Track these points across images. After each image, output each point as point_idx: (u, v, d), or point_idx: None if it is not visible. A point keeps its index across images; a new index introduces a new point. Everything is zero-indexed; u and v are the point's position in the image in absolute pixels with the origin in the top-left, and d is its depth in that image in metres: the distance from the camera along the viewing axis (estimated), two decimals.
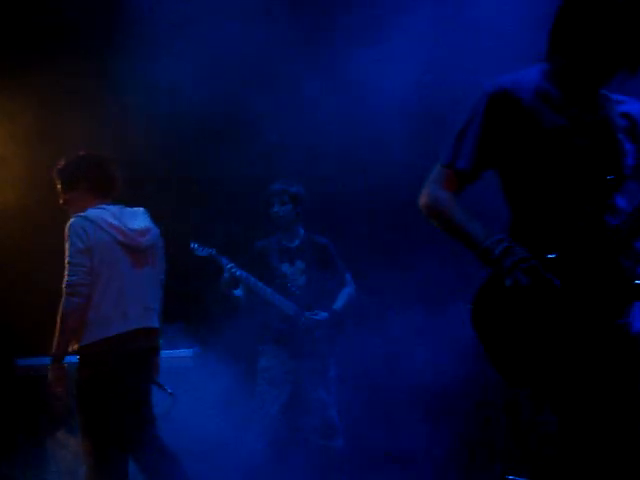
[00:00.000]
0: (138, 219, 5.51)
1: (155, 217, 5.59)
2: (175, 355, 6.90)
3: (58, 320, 5.09)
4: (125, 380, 5.19)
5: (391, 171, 7.22)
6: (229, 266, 6.73)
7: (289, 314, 6.79)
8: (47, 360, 5.20)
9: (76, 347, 5.15)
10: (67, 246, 5.19)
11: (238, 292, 6.80)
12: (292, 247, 6.95)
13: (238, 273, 6.72)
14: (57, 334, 5.07)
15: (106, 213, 5.37)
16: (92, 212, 5.34)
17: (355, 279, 6.99)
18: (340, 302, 6.90)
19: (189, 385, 6.49)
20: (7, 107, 7.66)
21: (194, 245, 6.84)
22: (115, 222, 5.34)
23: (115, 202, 5.50)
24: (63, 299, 5.11)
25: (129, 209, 5.54)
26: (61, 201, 5.52)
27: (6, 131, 7.76)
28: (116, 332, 5.20)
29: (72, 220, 5.27)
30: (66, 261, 5.17)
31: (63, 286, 5.13)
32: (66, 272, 5.15)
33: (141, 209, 5.61)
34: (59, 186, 5.51)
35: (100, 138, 7.11)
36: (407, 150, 7.12)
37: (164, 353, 5.70)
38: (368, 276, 7.17)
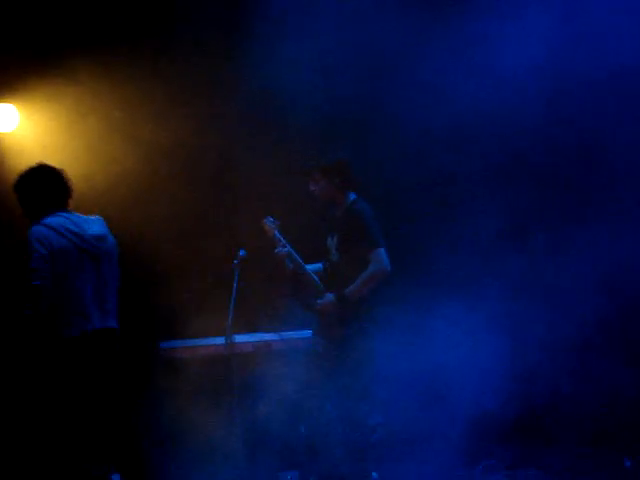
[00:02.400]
0: (95, 226, 5.76)
1: None
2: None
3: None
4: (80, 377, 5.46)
5: None
6: (282, 242, 6.77)
7: (311, 291, 6.77)
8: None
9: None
10: (29, 253, 5.49)
11: (290, 265, 6.82)
12: (336, 218, 6.81)
13: (286, 249, 6.76)
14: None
15: (65, 220, 5.63)
16: (52, 220, 5.66)
17: None
18: (353, 285, 6.54)
19: None
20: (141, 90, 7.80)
21: (269, 218, 6.87)
22: (74, 228, 5.58)
23: (69, 210, 5.86)
24: (25, 303, 5.40)
25: (85, 217, 5.87)
26: (22, 212, 5.87)
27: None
28: (78, 333, 5.44)
29: (32, 228, 5.61)
30: (28, 267, 5.45)
31: (25, 291, 5.40)
32: (28, 277, 5.43)
33: (97, 217, 5.90)
34: (18, 199, 5.81)
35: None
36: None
37: None
38: None
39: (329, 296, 6.62)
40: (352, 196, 6.75)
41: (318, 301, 6.68)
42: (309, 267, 6.85)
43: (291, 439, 6.97)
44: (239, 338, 7.11)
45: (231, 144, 8.00)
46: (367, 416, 6.54)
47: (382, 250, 6.54)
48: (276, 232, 6.79)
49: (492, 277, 7.34)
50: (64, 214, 5.82)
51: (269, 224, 6.84)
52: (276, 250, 6.76)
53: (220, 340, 7.05)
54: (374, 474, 6.71)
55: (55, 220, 5.72)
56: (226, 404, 7.11)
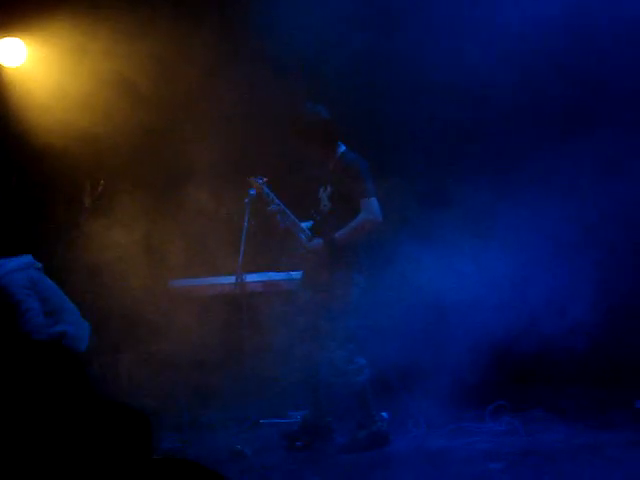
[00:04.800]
0: None
1: None
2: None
3: None
4: None
5: None
6: (271, 197, 6.72)
7: (300, 240, 6.73)
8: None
9: None
10: None
11: (282, 224, 6.78)
12: (328, 171, 6.76)
13: (276, 207, 6.71)
14: None
15: None
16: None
17: None
18: (343, 230, 6.53)
19: None
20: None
21: (256, 177, 6.79)
22: None
23: None
24: None
25: None
26: None
27: None
28: None
29: None
30: None
31: None
32: None
33: None
34: None
35: None
36: None
37: None
38: None
39: (318, 241, 6.62)
40: (342, 147, 6.72)
41: (307, 245, 6.65)
42: (302, 225, 6.83)
43: (296, 378, 6.98)
44: (249, 277, 7.10)
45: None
46: (347, 361, 6.53)
47: (374, 199, 6.54)
48: (265, 188, 6.74)
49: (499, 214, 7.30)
50: None
51: (256, 180, 6.77)
52: (268, 208, 6.71)
53: (230, 279, 7.04)
54: (384, 414, 6.75)
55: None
56: (236, 343, 7.13)
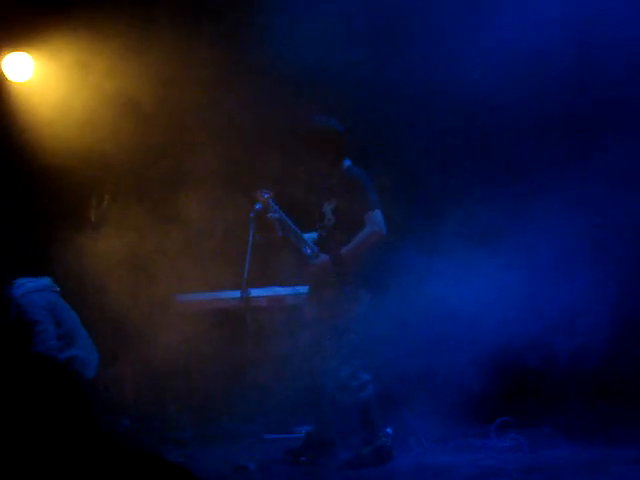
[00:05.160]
0: None
1: None
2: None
3: None
4: None
5: None
6: (275, 208, 6.73)
7: (304, 254, 6.75)
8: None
9: None
10: None
11: (280, 232, 6.78)
12: (331, 185, 6.76)
13: (277, 215, 6.73)
14: None
15: None
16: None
17: None
18: (349, 245, 6.55)
19: None
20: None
21: (262, 190, 6.79)
22: None
23: None
24: None
25: None
26: None
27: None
28: None
29: None
30: None
31: None
32: None
33: None
34: None
35: None
36: None
37: None
38: None
39: (324, 257, 6.63)
40: (347, 162, 6.74)
41: (313, 262, 6.67)
42: (306, 236, 6.83)
43: (300, 394, 6.96)
44: (254, 292, 7.10)
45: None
46: (351, 377, 6.53)
47: (378, 212, 6.56)
48: (270, 202, 6.75)
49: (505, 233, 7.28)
50: None
51: (262, 194, 6.78)
52: (268, 215, 6.72)
53: (236, 294, 7.03)
54: (388, 430, 6.73)
55: None
56: (240, 358, 7.13)
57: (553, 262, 7.26)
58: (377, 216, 6.55)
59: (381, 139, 7.86)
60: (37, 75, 7.76)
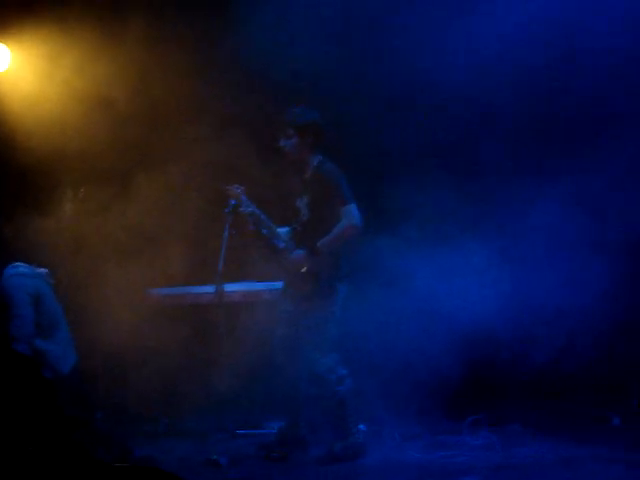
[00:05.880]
0: None
1: None
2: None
3: None
4: None
5: None
6: (247, 203, 6.73)
7: (279, 249, 6.77)
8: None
9: None
10: None
11: (252, 227, 6.80)
12: (305, 179, 6.79)
13: (250, 209, 6.73)
14: None
15: None
16: None
17: None
18: (325, 238, 6.57)
19: None
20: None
21: (234, 185, 6.80)
22: None
23: None
24: None
25: None
26: None
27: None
28: None
29: None
30: None
31: None
32: None
33: None
34: None
35: None
36: None
37: None
38: None
39: (299, 252, 6.66)
40: (319, 157, 6.75)
41: (287, 256, 6.69)
42: (279, 230, 6.85)
43: (273, 389, 6.97)
44: (229, 287, 7.08)
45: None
46: (330, 370, 6.54)
47: (353, 206, 6.58)
48: (243, 196, 6.75)
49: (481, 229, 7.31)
50: None
51: (235, 190, 6.78)
52: (240, 209, 6.72)
53: (210, 288, 7.02)
54: (361, 426, 6.73)
55: None
56: (213, 352, 7.12)
57: (536, 263, 7.29)
58: (352, 209, 6.56)
59: (362, 135, 7.85)
60: (13, 66, 7.70)
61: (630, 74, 7.28)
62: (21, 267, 6.69)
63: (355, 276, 6.80)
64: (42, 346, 6.54)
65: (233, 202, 6.77)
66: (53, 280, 6.84)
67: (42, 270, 6.76)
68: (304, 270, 6.61)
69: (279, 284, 7.16)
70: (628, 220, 7.30)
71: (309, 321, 6.57)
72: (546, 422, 7.04)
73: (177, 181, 7.59)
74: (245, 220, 6.75)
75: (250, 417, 7.51)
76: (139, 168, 7.69)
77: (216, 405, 7.12)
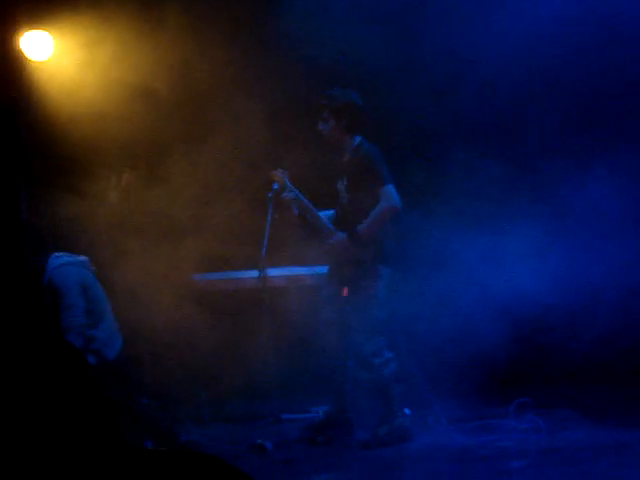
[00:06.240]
0: None
1: None
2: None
3: None
4: None
5: None
6: (291, 187, 6.73)
7: (323, 234, 6.76)
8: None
9: None
10: None
11: (297, 211, 6.80)
12: (343, 162, 6.78)
13: (293, 193, 6.72)
14: None
15: None
16: None
17: None
18: (364, 222, 6.58)
19: None
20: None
21: (278, 169, 6.80)
22: None
23: None
24: None
25: None
26: None
27: None
28: None
29: None
30: None
31: None
32: None
33: None
34: None
35: None
36: None
37: None
38: None
39: (340, 235, 6.64)
40: (358, 138, 6.72)
41: (330, 241, 6.65)
42: (322, 214, 6.82)
43: (318, 373, 6.97)
44: (272, 272, 7.09)
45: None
46: (375, 354, 6.51)
47: (391, 187, 6.55)
48: (286, 180, 6.74)
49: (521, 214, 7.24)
50: None
51: (279, 174, 6.77)
52: (283, 194, 6.71)
53: (253, 273, 7.03)
54: (406, 410, 6.72)
55: None
56: (258, 337, 7.13)
57: (586, 238, 7.20)
58: (391, 190, 6.54)
59: (401, 118, 7.80)
60: (55, 54, 7.73)
61: None
62: (64, 257, 6.70)
63: (402, 258, 6.78)
64: (90, 334, 6.58)
65: (276, 186, 6.76)
66: (93, 267, 6.86)
67: (83, 258, 6.78)
68: (346, 254, 6.57)
69: (323, 268, 7.15)
70: None
71: (354, 305, 6.57)
72: (594, 406, 6.98)
73: (220, 166, 7.58)
74: (288, 204, 6.73)
75: (295, 401, 7.52)
76: (180, 154, 7.69)
77: (261, 390, 7.14)
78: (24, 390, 1.84)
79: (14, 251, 7.34)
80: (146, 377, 7.51)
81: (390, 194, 6.51)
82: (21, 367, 1.87)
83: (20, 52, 7.54)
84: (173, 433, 6.63)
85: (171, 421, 6.93)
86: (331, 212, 6.88)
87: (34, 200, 7.46)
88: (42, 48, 7.66)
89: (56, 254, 6.71)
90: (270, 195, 6.79)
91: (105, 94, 7.55)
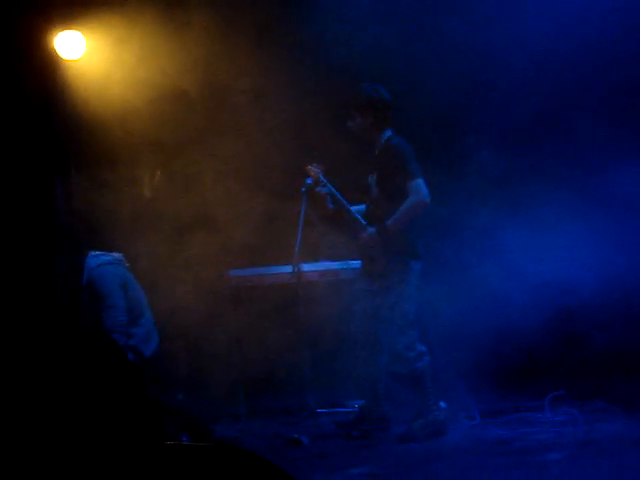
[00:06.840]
0: None
1: None
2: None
3: None
4: None
5: None
6: (325, 182, 6.75)
7: (355, 229, 6.76)
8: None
9: None
10: None
11: (331, 205, 6.82)
12: (374, 157, 6.78)
13: (327, 188, 6.73)
14: None
15: None
16: None
17: None
18: (393, 216, 6.56)
19: None
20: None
21: (313, 164, 6.82)
22: None
23: None
24: None
25: None
26: None
27: None
28: None
29: None
30: None
31: None
32: None
33: None
34: None
35: None
36: None
37: None
38: None
39: (370, 230, 6.64)
40: (388, 133, 6.71)
41: (361, 235, 6.66)
42: (354, 208, 6.82)
43: (353, 368, 6.97)
44: (306, 266, 7.10)
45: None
46: (408, 347, 6.51)
47: (420, 181, 6.52)
48: (321, 175, 6.75)
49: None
50: None
51: (313, 168, 6.77)
52: (317, 189, 6.72)
53: (287, 268, 7.05)
54: (442, 403, 6.71)
55: None
56: (292, 332, 7.15)
57: (628, 230, 7.16)
58: (420, 184, 6.51)
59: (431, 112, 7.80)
60: (87, 53, 7.79)
61: None
62: (103, 256, 6.73)
63: (438, 250, 6.78)
64: (130, 331, 6.62)
65: (309, 181, 6.78)
66: (128, 264, 6.89)
67: (118, 255, 6.81)
68: (377, 248, 6.59)
69: (356, 263, 7.16)
70: None
71: (386, 299, 6.57)
72: (630, 399, 6.92)
73: (253, 162, 7.62)
74: (322, 199, 6.75)
75: (331, 395, 7.53)
76: (211, 151, 7.73)
77: (297, 384, 7.16)
78: (72, 387, 1.86)
79: (48, 246, 7.40)
80: (181, 372, 7.56)
81: (419, 188, 6.49)
82: (70, 364, 1.89)
83: (54, 51, 7.63)
84: (208, 428, 6.66)
85: (206, 417, 6.97)
86: (362, 207, 6.88)
87: (68, 193, 7.54)
88: (74, 47, 7.74)
89: (93, 253, 6.75)
90: (304, 190, 6.81)
91: (133, 91, 7.60)
